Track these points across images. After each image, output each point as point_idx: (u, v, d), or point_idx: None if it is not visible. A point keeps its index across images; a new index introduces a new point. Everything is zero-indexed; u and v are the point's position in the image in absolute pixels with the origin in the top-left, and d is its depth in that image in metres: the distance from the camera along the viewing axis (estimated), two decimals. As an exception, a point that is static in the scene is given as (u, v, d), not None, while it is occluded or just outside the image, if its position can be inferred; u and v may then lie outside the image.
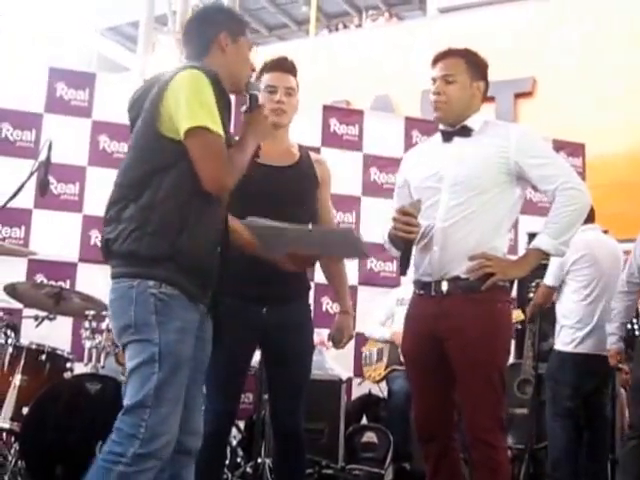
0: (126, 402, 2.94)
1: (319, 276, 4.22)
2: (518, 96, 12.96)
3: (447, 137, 3.82)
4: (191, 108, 2.96)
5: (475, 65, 3.84)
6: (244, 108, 3.33)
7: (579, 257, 5.65)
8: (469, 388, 3.62)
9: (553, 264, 5.73)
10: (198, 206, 3.01)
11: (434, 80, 3.80)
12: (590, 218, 5.61)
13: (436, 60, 3.84)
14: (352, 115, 8.04)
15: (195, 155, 2.97)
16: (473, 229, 3.65)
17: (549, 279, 5.81)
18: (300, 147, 4.16)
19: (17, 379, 5.19)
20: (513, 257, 7.35)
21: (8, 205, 4.69)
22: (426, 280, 3.73)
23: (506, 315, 3.77)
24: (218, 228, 3.16)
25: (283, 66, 4.07)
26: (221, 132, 2.99)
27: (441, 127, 3.87)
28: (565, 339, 5.71)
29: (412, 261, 3.80)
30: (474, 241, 3.64)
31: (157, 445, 2.89)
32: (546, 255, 3.70)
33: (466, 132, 3.78)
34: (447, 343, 3.64)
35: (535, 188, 3.85)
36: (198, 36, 3.30)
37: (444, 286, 3.66)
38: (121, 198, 3.04)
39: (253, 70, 3.46)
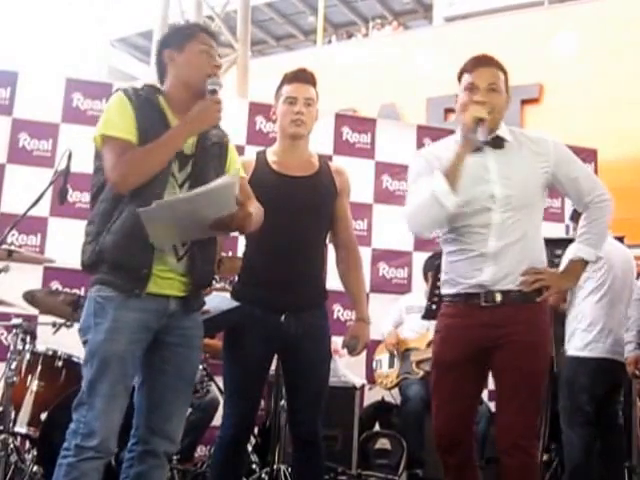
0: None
1: (330, 283, 4.22)
2: (524, 102, 12.99)
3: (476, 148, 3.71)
4: (99, 122, 3.25)
5: (505, 75, 3.81)
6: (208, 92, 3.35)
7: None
8: (515, 395, 3.59)
9: None
10: (118, 207, 3.17)
11: (473, 87, 3.70)
12: None
13: (476, 66, 3.74)
14: (364, 123, 8.06)
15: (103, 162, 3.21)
16: (525, 245, 3.68)
17: None
18: (320, 157, 4.20)
19: (34, 385, 5.23)
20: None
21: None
22: (474, 292, 3.68)
23: (549, 326, 3.83)
24: (140, 222, 3.14)
25: (302, 77, 4.11)
26: (121, 135, 3.17)
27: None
28: (578, 343, 5.66)
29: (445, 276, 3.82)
30: (527, 258, 3.67)
31: (93, 442, 3.05)
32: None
33: (499, 143, 3.73)
34: (497, 351, 3.63)
35: (566, 196, 3.93)
36: (157, 66, 3.52)
37: (497, 297, 3.65)
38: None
39: (216, 67, 3.43)
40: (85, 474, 3.05)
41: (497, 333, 3.61)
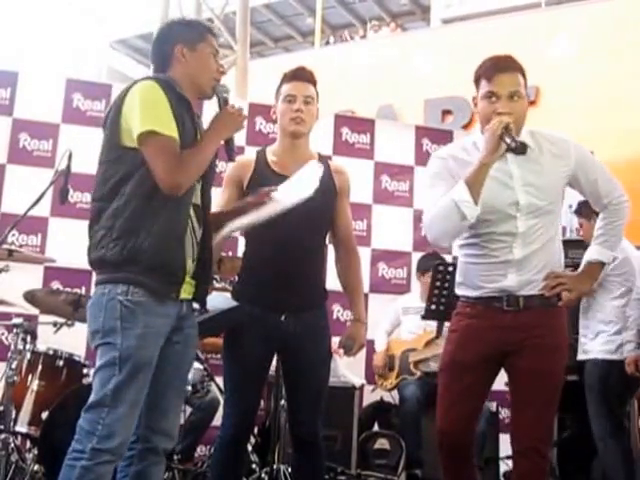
0: (89, 400, 3.09)
1: (330, 283, 4.22)
2: (523, 106, 12.98)
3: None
4: (142, 115, 3.10)
5: (525, 77, 3.67)
6: (220, 104, 3.41)
7: (619, 262, 5.50)
8: (535, 398, 3.59)
9: None
10: (156, 207, 3.12)
11: (493, 96, 3.57)
12: None
13: (495, 73, 3.58)
14: (363, 124, 8.08)
15: (148, 158, 3.10)
16: (548, 251, 3.70)
17: None
18: (320, 157, 4.18)
19: (34, 384, 5.24)
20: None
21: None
22: (497, 295, 3.66)
23: (567, 329, 3.83)
24: (180, 224, 3.22)
25: (301, 76, 4.11)
26: (172, 134, 3.13)
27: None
28: (608, 347, 5.59)
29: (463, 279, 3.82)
30: (550, 263, 3.69)
31: (112, 444, 3.01)
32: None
33: (522, 149, 3.57)
34: (516, 354, 3.63)
35: (583, 195, 3.92)
36: (158, 54, 3.44)
37: (521, 301, 3.64)
38: (95, 211, 3.22)
39: (222, 73, 3.49)
40: (101, 477, 3.03)
41: (518, 337, 3.60)
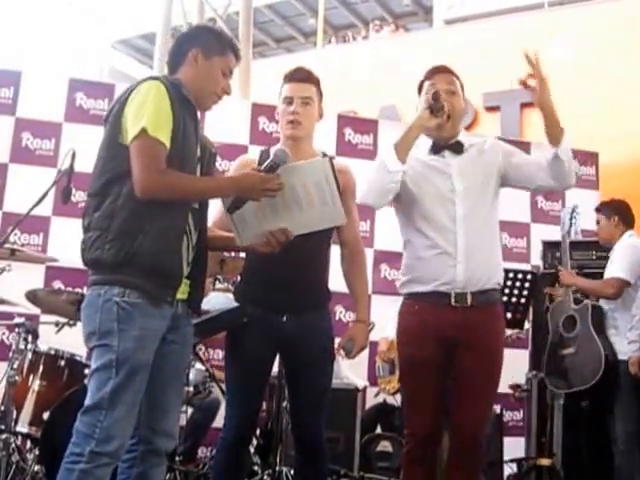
0: (85, 403, 3.07)
1: (332, 284, 4.17)
2: (524, 106, 12.90)
3: (438, 150, 3.96)
4: (137, 114, 3.09)
5: (461, 84, 4.06)
6: (265, 165, 3.37)
7: None
8: (481, 396, 3.85)
9: (624, 258, 5.67)
10: (154, 210, 3.09)
11: (435, 90, 3.87)
12: (631, 224, 5.75)
13: (434, 73, 4.01)
14: (366, 124, 8.09)
15: (131, 156, 3.09)
16: (490, 245, 3.93)
17: (626, 273, 5.61)
18: (325, 156, 4.06)
19: (36, 384, 5.24)
20: (526, 265, 7.50)
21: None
22: (444, 290, 3.81)
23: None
24: (178, 228, 3.21)
25: (298, 76, 4.05)
26: (161, 138, 3.10)
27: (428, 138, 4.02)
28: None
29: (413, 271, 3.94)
30: (492, 261, 3.93)
31: (111, 447, 3.00)
32: None
33: (459, 148, 3.97)
34: (465, 351, 3.80)
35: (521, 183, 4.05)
36: (176, 52, 3.43)
37: (468, 298, 3.79)
38: (89, 208, 3.20)
39: (227, 93, 3.48)
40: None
41: (467, 334, 3.78)
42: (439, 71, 4.01)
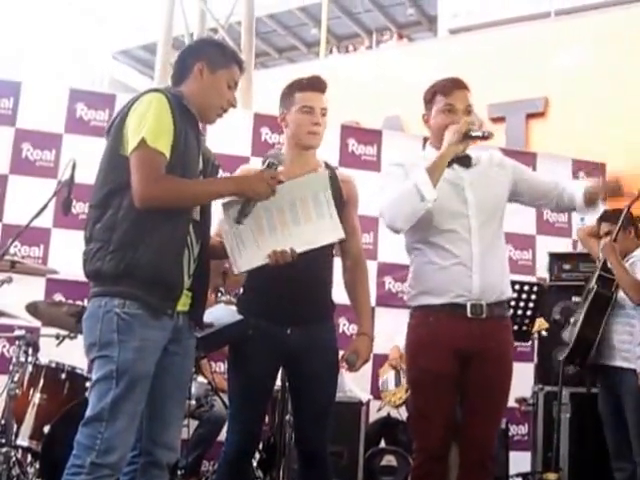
0: (86, 415, 3.07)
1: (336, 296, 4.14)
2: (530, 116, 12.85)
3: (448, 163, 3.87)
4: (138, 126, 3.11)
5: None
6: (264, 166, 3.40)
7: None
8: (493, 410, 3.86)
9: None
10: (155, 222, 3.10)
11: (452, 109, 3.87)
12: None
13: (452, 89, 3.92)
14: (370, 135, 8.07)
15: (131, 167, 3.09)
16: (502, 257, 3.97)
17: None
18: (327, 166, 4.11)
19: (36, 398, 5.24)
20: (531, 277, 7.45)
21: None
22: (460, 302, 3.78)
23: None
24: (179, 240, 3.21)
25: (319, 86, 4.02)
26: (161, 149, 3.10)
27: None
28: None
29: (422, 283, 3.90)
30: (505, 271, 3.96)
31: (112, 458, 3.00)
32: None
33: (468, 162, 3.94)
34: (479, 364, 3.78)
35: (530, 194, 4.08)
36: (180, 65, 3.44)
37: (484, 309, 3.78)
38: (90, 219, 3.21)
39: (232, 105, 3.47)
40: None
41: (483, 346, 3.78)
42: (457, 87, 3.92)
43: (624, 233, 5.73)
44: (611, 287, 5.60)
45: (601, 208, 4.00)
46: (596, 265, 5.78)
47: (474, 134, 3.72)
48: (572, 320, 5.75)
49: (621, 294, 5.58)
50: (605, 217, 5.83)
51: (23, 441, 5.11)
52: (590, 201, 3.91)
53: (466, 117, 3.81)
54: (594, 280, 5.61)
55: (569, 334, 5.71)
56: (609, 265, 5.62)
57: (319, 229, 3.52)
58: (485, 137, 3.74)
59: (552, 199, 4.01)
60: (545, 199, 4.04)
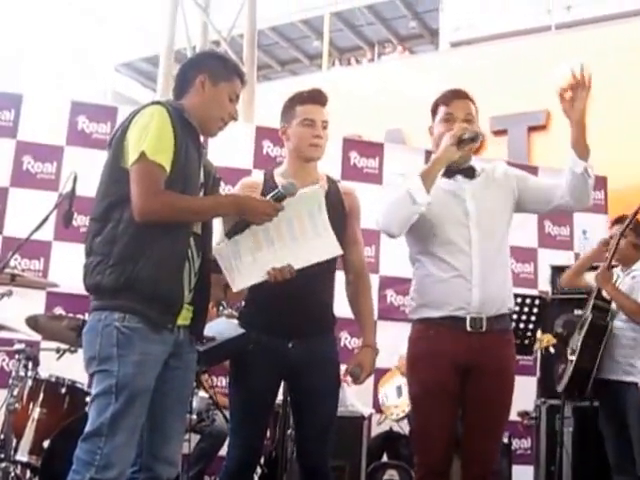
0: (85, 430, 3.04)
1: (337, 310, 4.11)
2: (532, 129, 12.87)
3: (451, 174, 3.91)
4: (138, 139, 3.11)
5: (476, 108, 4.01)
6: (271, 195, 3.37)
7: None
8: (494, 425, 3.82)
9: None
10: (155, 235, 3.09)
11: (451, 118, 3.89)
12: None
13: (452, 99, 3.95)
14: (372, 148, 8.06)
15: (131, 180, 3.09)
16: (504, 269, 3.92)
17: None
18: (328, 179, 4.11)
19: (36, 412, 5.20)
20: (533, 290, 7.42)
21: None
22: (459, 315, 3.76)
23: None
24: (179, 253, 3.20)
25: (320, 99, 4.02)
26: (160, 161, 3.10)
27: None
28: None
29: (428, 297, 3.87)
30: (507, 283, 3.92)
31: (111, 474, 2.97)
32: None
33: (471, 173, 3.95)
34: (479, 378, 3.76)
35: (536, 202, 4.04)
36: (182, 78, 3.45)
37: (483, 323, 3.75)
38: (91, 232, 3.20)
39: (234, 118, 3.48)
40: None
41: (484, 360, 3.74)
42: (456, 97, 3.96)
43: (618, 225, 5.71)
44: (606, 317, 5.55)
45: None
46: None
47: (466, 137, 3.73)
48: (569, 350, 5.69)
49: (617, 323, 5.56)
50: (617, 220, 5.80)
51: (22, 456, 5.07)
52: (578, 149, 3.86)
53: (461, 123, 3.82)
54: (589, 309, 5.57)
55: (565, 366, 5.66)
56: (604, 294, 5.60)
57: (316, 245, 3.53)
58: (474, 139, 3.76)
59: (565, 191, 3.92)
60: (556, 196, 3.95)
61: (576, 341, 5.56)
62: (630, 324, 5.51)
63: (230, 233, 3.34)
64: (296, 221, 3.46)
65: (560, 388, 5.69)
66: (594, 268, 5.85)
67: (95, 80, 22.53)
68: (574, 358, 5.49)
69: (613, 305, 5.54)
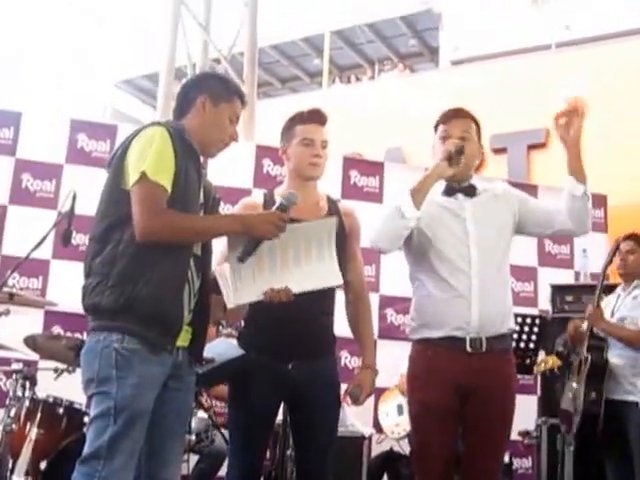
0: (83, 452, 3.01)
1: (337, 329, 4.09)
2: (531, 147, 12.88)
3: (451, 192, 3.95)
4: (138, 160, 3.09)
5: (478, 127, 4.05)
6: (274, 207, 3.36)
7: None
8: (494, 446, 3.83)
9: None
10: (155, 256, 3.07)
11: (447, 136, 3.92)
12: None
13: (450, 118, 3.98)
14: (372, 167, 8.07)
15: (132, 201, 3.07)
16: (504, 288, 3.92)
17: None
18: (329, 199, 4.11)
19: (33, 433, 5.16)
20: (533, 310, 7.40)
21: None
22: (458, 335, 3.76)
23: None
24: (180, 275, 3.18)
25: (319, 118, 4.02)
26: (162, 182, 3.08)
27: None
28: None
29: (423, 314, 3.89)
30: (507, 303, 3.92)
31: None
32: None
33: (472, 191, 3.97)
34: (479, 399, 3.75)
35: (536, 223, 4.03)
36: (182, 98, 3.44)
37: (483, 343, 3.75)
38: (90, 253, 3.18)
39: (234, 140, 3.47)
40: None
41: (484, 381, 3.74)
42: (455, 116, 3.99)
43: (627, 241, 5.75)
44: (603, 354, 5.61)
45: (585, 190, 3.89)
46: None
47: (452, 150, 3.77)
48: (567, 386, 5.66)
49: (612, 360, 5.60)
50: (627, 236, 5.88)
51: (19, 477, 5.02)
52: (574, 173, 3.85)
53: (454, 140, 3.85)
54: (584, 350, 5.56)
55: (567, 402, 5.62)
56: (596, 332, 5.64)
57: (318, 272, 3.51)
58: (459, 152, 3.80)
59: (565, 216, 3.90)
60: (557, 221, 3.94)
61: (575, 384, 5.57)
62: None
63: (243, 255, 3.29)
64: (304, 247, 3.45)
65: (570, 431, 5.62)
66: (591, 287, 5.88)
67: (95, 97, 22.56)
68: (580, 403, 5.48)
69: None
